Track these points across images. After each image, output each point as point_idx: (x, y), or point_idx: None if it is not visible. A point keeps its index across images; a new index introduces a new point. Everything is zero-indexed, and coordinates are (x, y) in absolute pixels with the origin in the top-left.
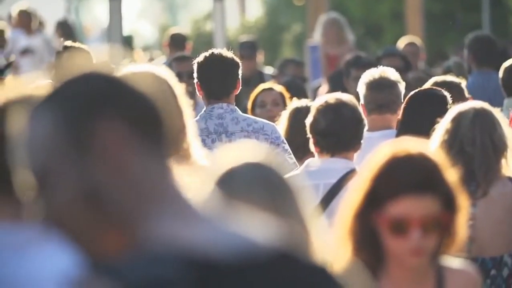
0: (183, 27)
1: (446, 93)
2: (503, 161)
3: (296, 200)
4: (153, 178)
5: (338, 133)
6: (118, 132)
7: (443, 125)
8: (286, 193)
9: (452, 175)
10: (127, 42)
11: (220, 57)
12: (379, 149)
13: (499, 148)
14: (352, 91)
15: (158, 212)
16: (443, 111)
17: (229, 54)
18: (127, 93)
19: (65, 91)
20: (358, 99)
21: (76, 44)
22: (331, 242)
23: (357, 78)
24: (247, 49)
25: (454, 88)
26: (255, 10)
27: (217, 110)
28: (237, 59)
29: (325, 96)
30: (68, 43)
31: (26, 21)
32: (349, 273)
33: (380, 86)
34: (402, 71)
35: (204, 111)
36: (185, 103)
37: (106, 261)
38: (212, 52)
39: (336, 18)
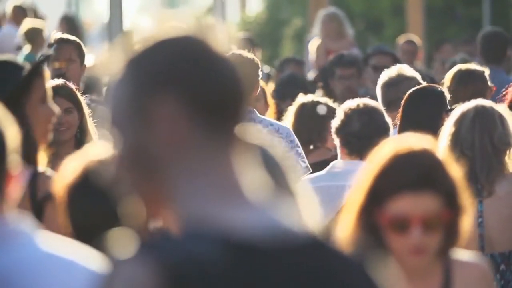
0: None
1: (443, 90)
2: (507, 159)
3: (288, 177)
4: (203, 159)
5: (371, 136)
6: (174, 109)
7: (447, 128)
8: (280, 171)
9: (456, 172)
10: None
11: (238, 58)
12: (382, 145)
13: (499, 148)
14: (338, 91)
15: (201, 191)
16: (441, 107)
17: (249, 54)
18: (197, 73)
19: (145, 58)
20: (344, 98)
21: (66, 36)
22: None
23: (342, 77)
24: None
25: (478, 77)
26: (256, 5)
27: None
28: (257, 61)
29: (354, 100)
30: (58, 35)
31: (21, 16)
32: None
33: (386, 85)
34: None
35: None
36: None
37: (147, 235)
38: (232, 53)
39: (335, 12)
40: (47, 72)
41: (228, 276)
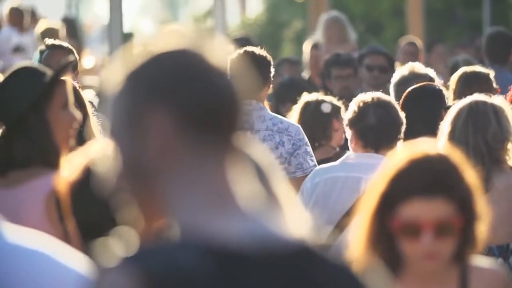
0: (184, 24)
1: (442, 88)
2: (503, 153)
3: (272, 181)
4: (196, 170)
5: (387, 129)
6: (167, 122)
7: (444, 126)
8: (267, 180)
9: (471, 178)
10: (128, 39)
11: (251, 54)
12: (398, 149)
13: (493, 147)
14: (335, 91)
15: (193, 201)
16: (440, 105)
17: (262, 52)
18: (189, 86)
19: (140, 72)
20: (342, 98)
21: (58, 42)
22: (309, 221)
23: (338, 77)
24: (241, 46)
25: (483, 79)
26: (256, 6)
27: (246, 107)
28: (270, 58)
29: (367, 94)
30: (50, 41)
31: (18, 18)
32: (370, 273)
33: (398, 83)
34: (386, 69)
35: None
36: None
37: (145, 241)
38: (245, 50)
39: (338, 17)
40: (68, 78)
41: (211, 285)
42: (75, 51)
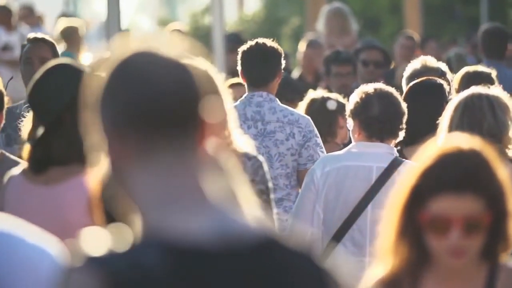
0: (182, 21)
1: (442, 82)
2: (502, 146)
3: (233, 181)
4: (155, 169)
5: (391, 119)
6: (110, 125)
7: (444, 121)
8: (225, 174)
9: (503, 175)
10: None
11: (262, 46)
12: (430, 144)
13: (489, 141)
14: (334, 88)
15: (155, 200)
16: (441, 100)
17: (273, 44)
18: (125, 88)
19: (102, 80)
20: (343, 96)
21: (40, 35)
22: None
23: (338, 75)
24: (232, 42)
25: (485, 78)
26: (254, 3)
27: (257, 98)
28: (281, 50)
29: (370, 85)
30: (32, 34)
31: (6, 17)
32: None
33: (411, 77)
34: (381, 64)
35: (245, 97)
36: (225, 91)
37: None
38: (256, 41)
39: (340, 7)
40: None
41: (171, 282)
42: (56, 44)
